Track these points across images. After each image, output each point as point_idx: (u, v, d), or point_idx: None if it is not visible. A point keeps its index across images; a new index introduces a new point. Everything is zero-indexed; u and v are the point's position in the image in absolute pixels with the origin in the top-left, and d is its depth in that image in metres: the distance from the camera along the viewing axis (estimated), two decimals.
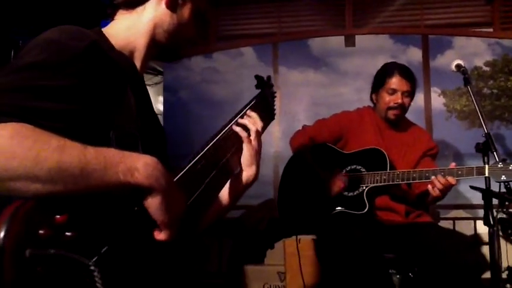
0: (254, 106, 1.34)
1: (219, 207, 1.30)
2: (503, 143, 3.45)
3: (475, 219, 3.34)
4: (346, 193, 2.42)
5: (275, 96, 1.49)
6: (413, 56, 3.74)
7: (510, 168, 2.03)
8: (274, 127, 3.85)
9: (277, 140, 3.78)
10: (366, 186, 2.37)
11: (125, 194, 0.87)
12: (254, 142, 1.29)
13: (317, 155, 2.57)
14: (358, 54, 3.81)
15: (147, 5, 1.16)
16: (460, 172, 2.17)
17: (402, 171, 2.32)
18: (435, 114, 3.64)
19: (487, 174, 2.07)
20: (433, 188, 2.20)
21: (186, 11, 1.20)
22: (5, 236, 0.71)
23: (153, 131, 1.17)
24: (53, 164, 0.78)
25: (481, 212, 3.02)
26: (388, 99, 2.49)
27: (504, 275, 2.64)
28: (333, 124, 2.64)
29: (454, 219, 3.39)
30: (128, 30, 1.15)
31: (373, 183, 2.35)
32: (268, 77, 1.49)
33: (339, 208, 2.36)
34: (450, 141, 3.57)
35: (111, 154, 0.86)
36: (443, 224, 3.27)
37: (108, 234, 0.85)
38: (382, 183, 2.33)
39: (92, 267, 0.76)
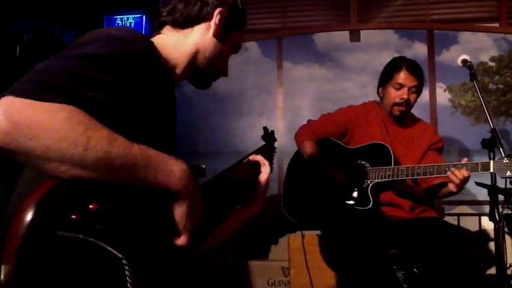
0: (260, 153, 1.41)
1: (220, 235, 1.34)
2: (508, 139, 3.43)
3: (479, 215, 3.32)
4: (350, 188, 2.41)
5: (275, 151, 1.61)
6: (418, 51, 3.72)
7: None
8: (278, 122, 3.85)
9: (281, 136, 3.77)
10: (371, 182, 2.36)
11: (155, 194, 0.91)
12: (268, 177, 1.37)
13: (321, 149, 2.56)
14: (363, 49, 3.79)
15: (195, 28, 1.22)
16: (464, 168, 2.16)
17: (406, 167, 2.31)
18: (440, 110, 3.62)
19: (492, 170, 2.06)
20: (451, 182, 2.17)
21: (228, 44, 1.27)
22: (37, 213, 0.72)
23: (171, 139, 1.21)
24: (100, 153, 0.80)
25: (486, 208, 3.02)
26: (394, 94, 2.46)
27: (509, 272, 2.63)
28: (338, 119, 2.62)
29: (458, 215, 3.37)
30: (173, 48, 1.20)
31: (378, 178, 2.35)
32: (272, 132, 1.60)
33: (343, 204, 2.36)
34: (455, 136, 3.55)
35: (152, 153, 0.90)
36: (448, 219, 3.26)
37: (132, 230, 0.87)
38: (387, 179, 2.33)
39: (124, 261, 0.78)
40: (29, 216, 0.72)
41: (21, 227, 0.71)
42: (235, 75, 3.89)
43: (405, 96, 2.45)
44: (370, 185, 2.35)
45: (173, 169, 0.92)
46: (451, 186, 2.21)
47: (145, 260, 0.90)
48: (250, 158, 1.37)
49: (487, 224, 3.18)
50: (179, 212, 0.94)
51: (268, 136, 1.56)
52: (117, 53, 0.94)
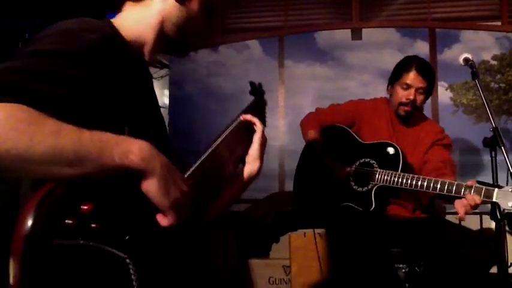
0: (250, 111, 1.35)
1: (225, 200, 1.31)
2: (510, 137, 3.43)
3: (480, 213, 3.32)
4: (355, 187, 2.38)
5: (266, 104, 1.53)
6: (420, 49, 3.71)
7: None
8: (280, 121, 3.85)
9: (282, 134, 3.78)
10: (375, 185, 2.33)
11: (122, 178, 0.87)
12: (263, 135, 1.30)
13: (332, 136, 2.53)
14: (364, 47, 3.79)
15: None
16: (467, 191, 2.09)
17: (412, 176, 2.25)
18: (442, 109, 3.62)
19: (494, 199, 2.01)
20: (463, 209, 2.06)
21: (195, 4, 1.18)
22: (32, 224, 0.71)
23: (158, 126, 1.17)
24: (46, 147, 0.78)
25: (486, 207, 3.02)
26: (401, 94, 2.43)
27: (511, 270, 2.63)
28: (347, 109, 2.60)
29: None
30: (136, 23, 1.13)
31: (383, 182, 2.31)
32: (260, 84, 1.51)
33: (346, 203, 2.34)
34: (457, 135, 3.54)
35: (106, 137, 0.85)
36: (449, 218, 3.25)
37: (127, 223, 0.86)
38: (392, 185, 2.29)
39: (128, 261, 0.78)
40: (28, 223, 0.72)
41: (22, 232, 0.71)
42: (236, 73, 3.90)
43: (411, 97, 2.41)
44: (375, 187, 2.32)
45: (131, 149, 0.87)
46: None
47: (148, 252, 0.89)
48: (241, 118, 1.29)
49: (488, 223, 3.18)
50: (152, 192, 0.89)
51: (256, 90, 1.47)
52: (69, 46, 0.90)
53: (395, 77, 2.48)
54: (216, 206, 1.27)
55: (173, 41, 1.18)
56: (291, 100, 3.81)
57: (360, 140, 2.48)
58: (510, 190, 1.97)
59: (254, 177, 1.31)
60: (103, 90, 0.93)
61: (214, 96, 3.92)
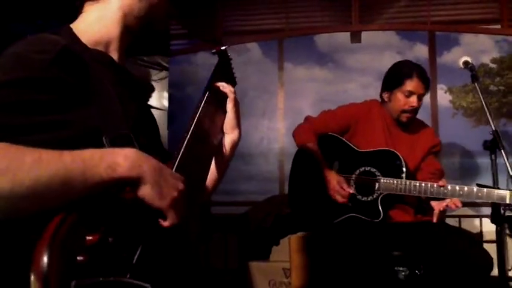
0: (219, 75, 1.30)
1: (217, 174, 1.32)
2: (510, 141, 3.43)
3: (480, 216, 3.32)
4: (359, 197, 2.35)
5: (231, 64, 1.48)
6: (419, 52, 3.72)
7: None
8: (279, 123, 3.85)
9: (282, 137, 3.78)
10: (381, 193, 2.31)
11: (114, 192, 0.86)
12: (235, 102, 1.28)
13: (327, 148, 2.50)
14: (364, 50, 3.79)
15: None
16: (480, 194, 2.13)
17: (420, 183, 2.24)
18: (441, 111, 3.62)
19: (508, 201, 2.04)
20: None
21: None
22: (48, 270, 0.70)
23: (144, 123, 1.14)
24: (31, 182, 0.76)
25: (486, 210, 3.02)
26: (404, 101, 2.41)
27: (511, 273, 2.63)
28: (340, 116, 2.54)
29: (459, 216, 3.37)
30: (98, 23, 1.10)
31: (389, 190, 2.30)
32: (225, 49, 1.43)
33: (352, 213, 2.31)
34: (457, 138, 3.55)
35: (88, 155, 0.84)
36: (449, 221, 3.25)
37: (133, 240, 0.85)
38: (399, 193, 2.28)
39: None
40: (44, 264, 0.70)
41: (40, 273, 0.69)
42: (236, 75, 3.89)
43: (415, 104, 2.40)
44: (381, 196, 2.31)
45: (117, 161, 0.85)
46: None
47: (158, 262, 0.89)
48: (214, 86, 1.25)
49: (488, 226, 3.18)
50: (148, 197, 0.88)
51: (221, 52, 1.38)
52: (22, 72, 0.86)
53: (395, 83, 2.43)
54: (210, 181, 1.27)
55: (139, 33, 1.15)
56: (290, 103, 3.81)
57: (356, 148, 2.45)
58: None
59: (236, 145, 1.31)
60: (72, 107, 0.90)
61: None
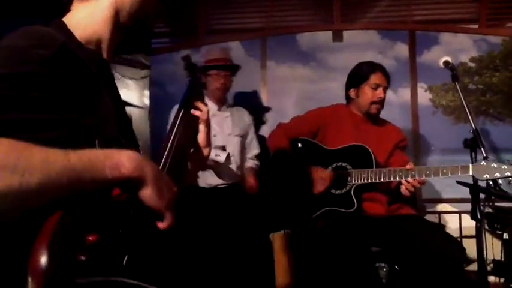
0: (191, 94, 1.35)
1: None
2: (488, 139, 3.50)
3: (460, 212, 3.39)
4: (333, 191, 2.45)
5: (200, 79, 1.51)
6: (400, 51, 3.77)
7: (492, 166, 2.08)
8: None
9: (265, 135, 3.79)
10: (353, 184, 2.41)
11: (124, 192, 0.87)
12: (206, 123, 1.33)
13: (299, 151, 2.62)
14: (346, 49, 3.82)
15: None
16: (445, 171, 2.22)
17: (389, 169, 2.37)
18: (422, 110, 3.68)
19: (471, 173, 2.12)
20: (405, 189, 2.32)
21: None
22: (46, 270, 0.68)
23: (123, 124, 1.15)
24: (39, 179, 0.75)
25: (465, 206, 3.08)
26: (371, 93, 2.61)
27: (489, 268, 2.69)
28: (310, 119, 2.73)
29: (440, 212, 3.43)
30: (89, 19, 1.09)
31: (360, 180, 2.41)
32: (194, 64, 1.49)
33: (328, 207, 2.40)
34: (436, 136, 3.61)
35: (93, 155, 0.85)
36: (429, 217, 3.32)
37: (123, 241, 0.86)
38: (369, 181, 2.38)
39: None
40: (44, 260, 0.69)
41: (40, 271, 0.68)
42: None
43: (382, 95, 2.61)
44: (353, 187, 2.40)
45: (121, 161, 0.86)
46: (406, 192, 2.33)
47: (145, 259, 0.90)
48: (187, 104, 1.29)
49: (468, 222, 3.25)
50: (149, 198, 0.90)
51: (192, 66, 1.43)
52: (22, 67, 0.85)
53: (360, 79, 2.64)
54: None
55: (130, 30, 1.15)
56: (273, 101, 3.82)
57: (326, 147, 2.58)
58: (483, 164, 2.11)
59: (206, 159, 1.35)
60: (68, 105, 0.90)
61: None
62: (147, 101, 4.12)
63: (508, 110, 3.61)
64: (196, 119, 1.31)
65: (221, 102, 3.16)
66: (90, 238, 0.77)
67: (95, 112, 0.97)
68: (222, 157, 2.83)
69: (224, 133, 3.08)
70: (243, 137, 3.16)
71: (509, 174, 2.05)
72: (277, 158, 2.69)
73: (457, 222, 3.39)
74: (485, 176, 2.10)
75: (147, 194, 0.90)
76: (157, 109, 3.98)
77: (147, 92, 4.17)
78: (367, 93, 2.62)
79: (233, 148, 3.05)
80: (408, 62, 3.72)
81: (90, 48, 1.07)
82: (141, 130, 3.94)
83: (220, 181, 2.97)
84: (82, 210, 0.80)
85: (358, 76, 2.68)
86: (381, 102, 2.64)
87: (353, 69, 2.75)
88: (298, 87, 3.83)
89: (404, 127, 2.91)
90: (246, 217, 2.56)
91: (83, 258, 0.74)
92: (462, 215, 3.35)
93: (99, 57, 1.09)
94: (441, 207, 3.50)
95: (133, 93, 4.08)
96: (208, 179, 2.94)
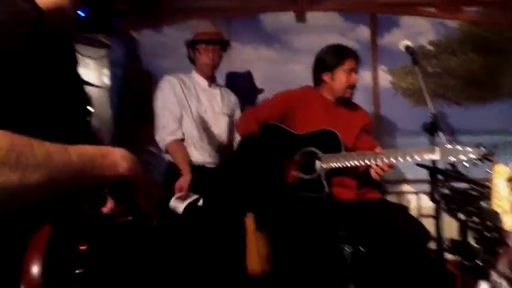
0: None
1: None
2: (445, 121, 3.62)
3: (418, 193, 3.51)
4: (304, 176, 2.46)
5: None
6: (362, 34, 3.81)
7: (457, 148, 2.16)
8: None
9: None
10: (323, 169, 2.43)
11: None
12: None
13: (268, 136, 2.60)
14: (309, 31, 3.84)
15: None
16: (412, 154, 2.29)
17: (357, 153, 2.40)
18: (382, 92, 3.75)
19: (437, 156, 2.19)
20: (375, 173, 2.39)
21: None
22: (40, 281, 0.66)
23: (78, 104, 1.12)
24: (41, 178, 0.72)
25: (423, 187, 3.20)
26: (346, 78, 2.63)
27: (446, 246, 2.81)
28: (279, 103, 2.71)
29: (399, 193, 3.54)
30: None
31: (330, 165, 2.42)
32: None
33: (299, 193, 2.41)
34: (396, 118, 3.70)
35: (92, 152, 0.83)
36: (390, 198, 3.42)
37: (112, 248, 0.88)
38: (339, 166, 2.40)
39: None
40: (38, 271, 0.67)
41: (34, 284, 0.66)
42: (181, 55, 3.83)
43: (357, 80, 2.66)
44: (323, 172, 2.42)
45: (117, 160, 0.86)
46: (376, 175, 2.41)
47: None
48: None
49: (426, 202, 3.37)
50: (140, 197, 0.91)
51: None
52: (7, 43, 0.81)
53: (335, 63, 2.62)
54: None
55: None
56: (238, 83, 3.80)
57: (295, 132, 2.58)
58: (449, 146, 2.19)
59: None
60: (42, 86, 0.88)
61: (158, 78, 3.83)
62: (107, 81, 4.02)
63: (464, 94, 3.74)
64: None
65: (210, 79, 3.06)
66: (81, 247, 0.76)
67: (60, 92, 0.95)
68: (180, 208, 2.56)
69: (214, 111, 2.99)
70: (231, 117, 3.05)
71: (473, 156, 2.14)
72: (246, 143, 2.67)
73: (416, 202, 3.51)
74: (450, 159, 2.17)
75: (140, 194, 0.91)
76: (117, 90, 3.89)
77: (106, 71, 4.07)
78: (342, 78, 2.63)
79: (222, 127, 2.98)
80: (370, 44, 3.77)
81: (54, 20, 1.01)
82: (102, 109, 3.85)
83: (208, 159, 2.89)
84: (72, 219, 0.79)
85: (332, 60, 2.67)
86: (354, 87, 2.68)
87: (324, 52, 2.73)
88: (263, 68, 3.82)
89: (366, 109, 2.96)
90: (223, 200, 2.54)
91: (80, 271, 0.73)
92: (420, 195, 3.47)
93: (64, 32, 1.06)
94: (401, 187, 3.61)
95: (92, 72, 3.97)
96: (193, 155, 2.85)
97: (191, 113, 2.90)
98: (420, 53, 3.70)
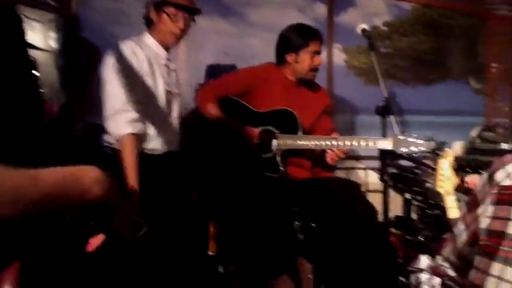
0: None
1: None
2: (395, 100, 3.74)
3: (366, 169, 3.64)
4: (260, 154, 2.49)
5: None
6: (319, 11, 3.83)
7: (409, 140, 2.27)
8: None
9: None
10: (279, 149, 2.47)
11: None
12: None
13: (227, 111, 2.60)
14: (267, 5, 3.81)
15: None
16: (367, 142, 2.37)
17: (314, 137, 2.45)
18: (336, 70, 3.82)
19: (391, 147, 2.30)
20: (329, 156, 2.47)
21: None
22: None
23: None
24: (31, 204, 0.72)
25: (373, 163, 3.33)
26: (310, 61, 2.63)
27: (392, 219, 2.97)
28: (240, 79, 2.69)
29: (348, 168, 3.66)
30: None
31: (286, 146, 2.46)
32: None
33: (254, 171, 2.45)
34: (349, 96, 3.79)
35: (62, 178, 0.80)
36: (339, 173, 3.54)
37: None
38: (295, 147, 2.46)
39: None
40: None
41: None
42: (136, 23, 3.72)
43: (320, 62, 2.68)
44: (279, 152, 2.46)
45: (89, 184, 0.83)
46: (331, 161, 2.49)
47: None
48: None
49: (373, 177, 3.52)
50: (112, 217, 0.90)
51: None
52: None
53: (299, 45, 2.61)
54: None
55: None
56: (193, 55, 3.75)
57: (255, 109, 2.59)
58: (402, 137, 2.33)
59: None
60: None
61: (112, 45, 3.72)
62: (54, 44, 3.87)
63: (412, 74, 3.88)
64: None
65: (168, 51, 2.55)
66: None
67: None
68: None
69: (171, 89, 2.54)
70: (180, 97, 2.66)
71: (423, 149, 2.27)
72: (204, 118, 2.64)
73: (363, 177, 3.64)
74: (402, 150, 2.29)
75: (110, 216, 0.89)
76: (68, 54, 3.75)
77: (53, 35, 3.91)
78: (307, 60, 2.63)
79: (176, 109, 2.57)
80: (326, 22, 3.81)
81: None
82: (48, 74, 3.72)
83: (166, 147, 2.47)
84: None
85: (297, 41, 2.65)
86: (318, 69, 2.70)
87: (289, 32, 2.69)
88: (219, 41, 3.77)
89: None
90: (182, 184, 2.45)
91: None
92: (368, 171, 3.61)
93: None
94: (349, 163, 3.73)
95: (38, 35, 3.80)
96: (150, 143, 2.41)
97: (152, 90, 2.41)
98: (374, 33, 3.77)
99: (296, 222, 2.40)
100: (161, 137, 2.42)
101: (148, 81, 2.38)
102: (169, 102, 2.50)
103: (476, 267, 0.97)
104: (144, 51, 2.42)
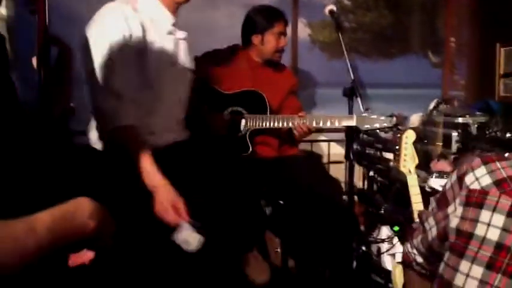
0: None
1: None
2: (356, 74, 3.81)
3: (329, 141, 3.73)
4: (229, 135, 2.54)
5: None
6: None
7: (372, 117, 2.36)
8: None
9: None
10: (248, 129, 2.53)
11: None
12: None
13: (195, 92, 2.61)
14: None
15: None
16: (332, 120, 2.44)
17: (282, 116, 2.51)
18: (301, 45, 3.84)
19: (354, 123, 2.38)
20: (297, 133, 2.54)
21: None
22: None
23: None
24: (30, 252, 0.75)
25: (336, 135, 3.43)
26: (276, 42, 2.66)
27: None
28: (206, 61, 2.69)
29: (312, 141, 3.74)
30: None
31: (255, 126, 2.52)
32: None
33: (223, 151, 2.48)
34: (313, 71, 3.84)
35: (59, 219, 0.82)
36: (303, 146, 3.61)
37: None
38: (263, 127, 2.52)
39: None
40: None
41: None
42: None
43: (285, 44, 2.71)
44: (248, 131, 2.52)
45: (84, 219, 0.85)
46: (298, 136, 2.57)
47: None
48: None
49: (335, 149, 3.63)
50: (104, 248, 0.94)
51: None
52: None
53: (265, 26, 2.64)
54: None
55: None
56: None
57: (222, 90, 2.61)
58: (365, 115, 2.42)
59: None
60: None
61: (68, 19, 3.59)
62: (3, 11, 3.70)
63: (374, 48, 3.96)
64: None
65: (175, 14, 2.08)
66: None
67: None
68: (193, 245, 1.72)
69: (178, 63, 2.10)
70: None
71: (386, 125, 2.36)
72: None
73: (326, 149, 3.74)
74: (366, 126, 2.38)
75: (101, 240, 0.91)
76: (23, 28, 3.60)
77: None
78: (272, 42, 2.66)
79: (183, 88, 2.17)
80: None
81: None
82: None
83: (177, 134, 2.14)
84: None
85: (262, 23, 2.67)
86: (283, 50, 2.74)
87: (254, 14, 2.72)
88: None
89: (284, 62, 3.04)
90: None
91: None
92: (331, 143, 3.70)
93: None
94: (314, 136, 3.80)
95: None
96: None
97: (150, 67, 1.93)
98: (339, 7, 3.79)
99: (264, 200, 2.47)
100: (163, 126, 2.03)
101: (145, 54, 1.90)
102: (175, 80, 2.07)
103: (446, 263, 1.04)
104: (139, 14, 1.92)
